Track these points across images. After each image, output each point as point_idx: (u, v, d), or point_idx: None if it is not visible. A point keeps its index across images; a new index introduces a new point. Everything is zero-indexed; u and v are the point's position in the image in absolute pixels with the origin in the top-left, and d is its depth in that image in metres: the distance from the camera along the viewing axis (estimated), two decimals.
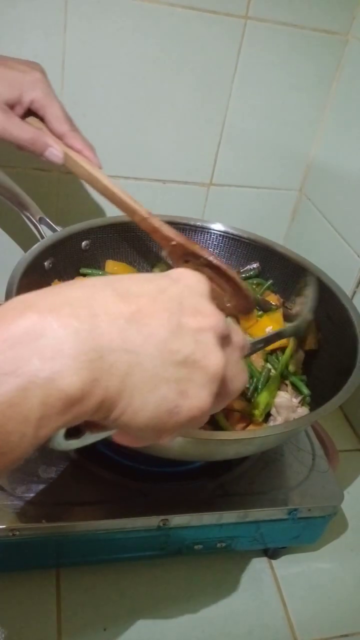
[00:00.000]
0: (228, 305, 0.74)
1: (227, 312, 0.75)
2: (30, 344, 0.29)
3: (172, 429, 0.36)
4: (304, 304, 0.75)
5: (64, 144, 0.71)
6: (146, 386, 0.33)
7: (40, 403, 0.29)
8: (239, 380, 0.39)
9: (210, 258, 0.71)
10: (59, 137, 0.71)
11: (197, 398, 0.35)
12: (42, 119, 0.71)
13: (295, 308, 0.78)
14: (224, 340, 0.37)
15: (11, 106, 0.67)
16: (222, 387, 0.37)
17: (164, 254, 0.79)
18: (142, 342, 0.33)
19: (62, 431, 0.34)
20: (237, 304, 0.73)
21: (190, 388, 0.35)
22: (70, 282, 0.35)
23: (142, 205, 0.71)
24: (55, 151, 0.69)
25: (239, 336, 0.40)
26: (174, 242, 0.71)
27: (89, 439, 0.37)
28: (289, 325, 0.72)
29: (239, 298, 0.72)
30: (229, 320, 0.42)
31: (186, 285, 0.36)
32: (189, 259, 0.73)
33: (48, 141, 0.69)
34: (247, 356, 0.69)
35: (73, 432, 0.35)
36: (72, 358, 0.30)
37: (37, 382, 0.29)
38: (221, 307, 0.75)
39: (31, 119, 0.71)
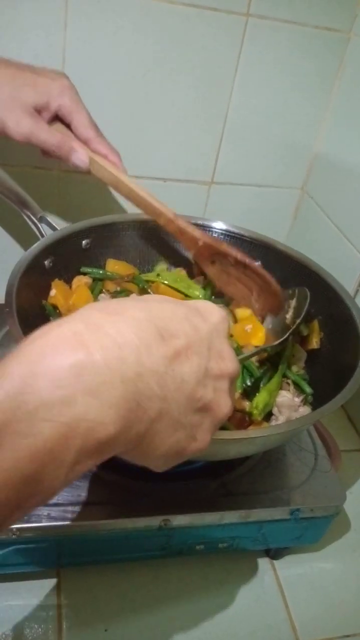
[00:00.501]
0: (256, 304, 0.74)
1: (256, 311, 0.75)
2: (77, 383, 0.29)
3: (170, 464, 0.38)
4: (289, 318, 0.74)
5: (90, 149, 0.72)
6: (167, 431, 0.34)
7: (78, 450, 0.29)
8: (228, 408, 0.39)
9: (239, 256, 0.71)
10: (85, 142, 0.72)
11: (203, 441, 0.38)
12: (68, 125, 0.72)
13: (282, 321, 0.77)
14: (233, 382, 0.39)
15: (39, 111, 0.68)
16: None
17: (190, 255, 0.79)
18: (175, 390, 0.34)
19: None
20: (265, 302, 0.73)
21: (199, 432, 0.37)
22: (113, 307, 0.34)
23: (167, 206, 0.72)
24: (81, 156, 0.70)
25: (235, 367, 0.41)
26: (200, 243, 0.72)
27: None
28: (272, 344, 0.70)
29: (268, 295, 0.73)
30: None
31: (214, 325, 0.37)
32: (215, 259, 0.74)
33: (74, 146, 0.70)
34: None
35: None
36: (114, 407, 0.30)
37: (78, 431, 0.29)
38: (249, 307, 0.75)
39: (57, 126, 0.71)
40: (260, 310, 0.76)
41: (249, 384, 0.69)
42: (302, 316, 0.71)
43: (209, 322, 0.37)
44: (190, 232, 0.72)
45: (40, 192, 0.82)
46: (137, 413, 0.32)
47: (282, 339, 0.69)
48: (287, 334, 0.70)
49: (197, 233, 0.72)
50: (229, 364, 0.38)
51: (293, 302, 0.75)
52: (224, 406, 0.37)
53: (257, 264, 0.74)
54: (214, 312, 0.39)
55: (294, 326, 0.71)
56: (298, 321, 0.71)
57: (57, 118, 0.71)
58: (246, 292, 0.75)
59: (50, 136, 0.68)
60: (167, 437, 0.35)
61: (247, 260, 0.72)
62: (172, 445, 0.35)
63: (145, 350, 0.32)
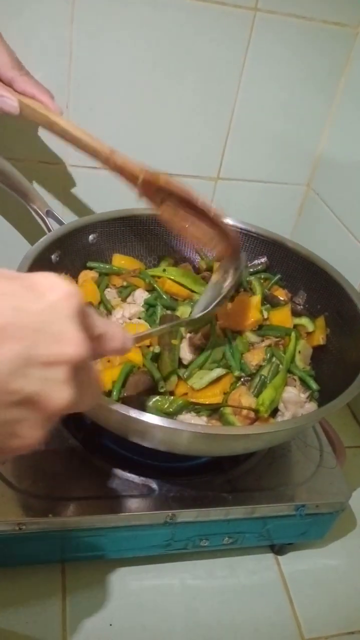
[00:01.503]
0: (213, 249, 0.68)
1: (216, 257, 0.69)
2: None
3: None
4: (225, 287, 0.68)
5: (16, 91, 0.66)
6: None
7: None
8: (65, 400, 0.33)
9: (182, 193, 0.63)
10: (9, 84, 0.66)
11: (30, 438, 0.33)
12: None
13: (206, 293, 0.70)
14: (80, 367, 0.33)
15: None
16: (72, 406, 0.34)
17: (137, 196, 0.68)
18: None
19: None
20: (221, 245, 0.67)
21: (22, 429, 0.32)
22: None
23: (104, 143, 0.65)
24: (8, 100, 0.63)
25: (115, 342, 0.38)
26: (141, 179, 0.64)
27: None
28: (190, 317, 0.66)
29: (222, 238, 0.66)
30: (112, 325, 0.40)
31: (50, 303, 0.32)
32: (164, 197, 0.65)
33: (0, 91, 0.63)
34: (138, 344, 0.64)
35: None
36: None
37: None
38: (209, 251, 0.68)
39: None
40: (219, 256, 0.69)
41: (255, 380, 0.69)
42: (230, 284, 0.66)
43: (43, 300, 0.31)
44: (129, 168, 0.64)
45: (47, 186, 0.82)
46: None
47: (202, 312, 0.65)
48: (211, 307, 0.65)
49: (136, 168, 0.64)
50: (68, 348, 0.32)
51: (231, 272, 0.69)
52: (57, 398, 0.32)
53: (208, 204, 0.65)
54: (54, 287, 0.32)
55: (219, 298, 0.66)
56: (224, 293, 0.65)
57: None
58: (203, 235, 0.67)
59: None
60: None
61: (189, 196, 0.64)
62: None
63: None
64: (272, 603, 0.70)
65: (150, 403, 0.63)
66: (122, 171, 0.65)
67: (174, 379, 0.67)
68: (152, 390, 0.65)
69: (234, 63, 0.87)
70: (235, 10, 0.82)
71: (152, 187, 0.65)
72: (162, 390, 0.65)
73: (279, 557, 0.75)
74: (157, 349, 0.68)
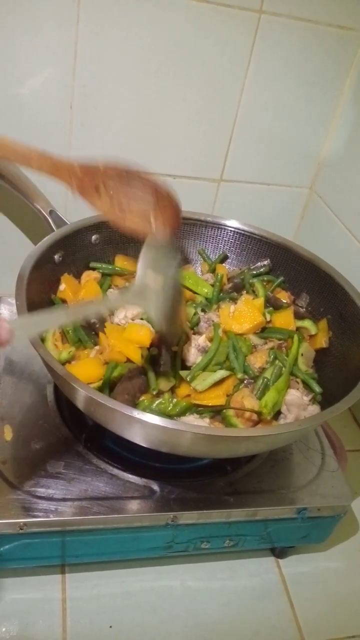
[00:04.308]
0: (156, 222, 0.66)
1: (158, 232, 0.66)
2: None
3: None
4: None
5: None
6: None
7: None
8: None
9: (121, 166, 0.63)
10: None
11: None
12: None
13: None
14: None
15: None
16: None
17: (74, 193, 0.67)
18: None
19: None
20: (163, 214, 0.65)
21: None
22: None
23: (30, 146, 0.62)
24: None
25: None
26: (78, 169, 0.63)
27: None
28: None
29: (163, 205, 0.65)
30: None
31: None
32: (98, 184, 0.64)
33: None
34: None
35: None
36: None
37: None
38: (151, 229, 0.65)
39: None
40: (163, 227, 0.67)
41: (258, 383, 0.69)
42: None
43: None
44: (65, 162, 0.63)
45: (51, 186, 0.81)
46: None
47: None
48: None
49: (71, 160, 0.63)
50: None
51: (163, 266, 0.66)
52: None
53: (142, 171, 0.65)
54: None
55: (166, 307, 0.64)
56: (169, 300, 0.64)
57: None
58: (143, 212, 0.66)
59: None
60: None
61: (127, 167, 0.64)
62: None
63: None
64: (273, 606, 0.70)
65: (154, 405, 0.63)
66: (57, 168, 0.63)
67: (169, 380, 0.67)
68: (145, 389, 0.66)
69: (238, 65, 0.87)
70: (240, 12, 0.82)
71: (90, 174, 0.64)
72: (154, 392, 0.65)
73: (280, 560, 0.75)
74: (154, 351, 0.69)
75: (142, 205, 0.65)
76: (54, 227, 0.74)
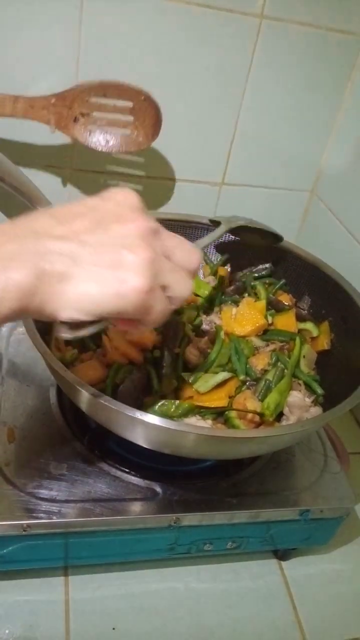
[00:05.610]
0: (139, 133, 0.71)
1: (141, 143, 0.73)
2: None
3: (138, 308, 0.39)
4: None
5: None
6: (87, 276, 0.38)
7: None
8: (180, 287, 0.43)
9: (97, 82, 0.67)
10: None
11: (135, 279, 0.39)
12: None
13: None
14: (153, 237, 0.41)
15: None
16: (163, 291, 0.41)
17: (52, 128, 0.72)
18: (76, 248, 0.38)
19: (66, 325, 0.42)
20: (145, 121, 0.70)
21: (125, 273, 0.39)
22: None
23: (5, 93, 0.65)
24: None
25: (183, 253, 0.43)
26: (53, 100, 0.66)
27: (89, 329, 0.43)
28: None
29: (143, 112, 0.70)
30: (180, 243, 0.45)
31: (115, 202, 0.42)
32: (76, 112, 0.69)
33: None
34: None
35: (74, 326, 0.42)
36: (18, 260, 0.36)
37: None
38: (137, 145, 0.71)
39: None
40: (146, 138, 0.72)
41: (260, 385, 0.69)
42: None
43: (109, 202, 0.42)
44: (39, 98, 0.66)
45: (52, 190, 0.82)
46: (42, 264, 0.37)
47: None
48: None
49: (45, 97, 0.66)
50: (131, 222, 0.41)
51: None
52: (141, 252, 0.40)
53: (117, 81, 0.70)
54: (116, 192, 0.43)
55: None
56: None
57: None
58: (125, 127, 0.69)
59: None
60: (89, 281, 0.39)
61: (102, 82, 0.68)
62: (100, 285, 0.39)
63: (42, 228, 0.39)
64: (276, 608, 0.70)
65: (156, 407, 0.63)
66: (33, 107, 0.66)
67: (172, 382, 0.67)
68: (148, 391, 0.66)
69: (240, 69, 0.87)
70: (241, 17, 0.82)
71: (67, 103, 0.67)
72: (156, 394, 0.65)
73: (283, 562, 0.75)
74: (157, 353, 0.69)
75: (122, 117, 0.69)
76: None
